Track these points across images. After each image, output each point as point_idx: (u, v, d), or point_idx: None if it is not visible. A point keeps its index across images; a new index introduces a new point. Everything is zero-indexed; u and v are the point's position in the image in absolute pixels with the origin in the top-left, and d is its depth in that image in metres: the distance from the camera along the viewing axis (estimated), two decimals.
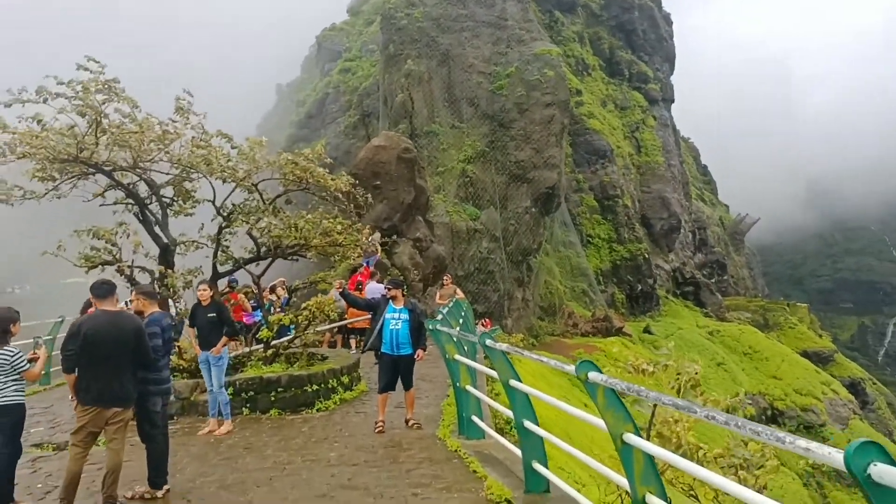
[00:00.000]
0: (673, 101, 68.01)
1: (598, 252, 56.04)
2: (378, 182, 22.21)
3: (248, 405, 11.55)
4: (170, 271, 12.67)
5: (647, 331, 53.19)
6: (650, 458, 4.94)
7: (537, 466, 6.97)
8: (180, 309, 13.34)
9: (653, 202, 61.43)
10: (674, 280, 62.98)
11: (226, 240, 13.90)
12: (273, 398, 11.61)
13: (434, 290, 22.77)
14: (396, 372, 10.23)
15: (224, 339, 10.50)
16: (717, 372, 53.25)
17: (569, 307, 51.63)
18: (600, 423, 5.66)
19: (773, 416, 52.50)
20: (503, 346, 7.26)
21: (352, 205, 14.47)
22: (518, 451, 7.72)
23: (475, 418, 9.29)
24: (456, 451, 8.79)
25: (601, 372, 5.15)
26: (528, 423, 7.03)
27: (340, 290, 10.71)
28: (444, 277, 19.18)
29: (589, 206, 56.48)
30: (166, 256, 13.03)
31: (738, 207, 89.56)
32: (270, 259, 13.55)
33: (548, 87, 44.13)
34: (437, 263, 24.90)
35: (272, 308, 15.44)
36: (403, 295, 10.54)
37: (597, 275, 55.11)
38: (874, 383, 74.40)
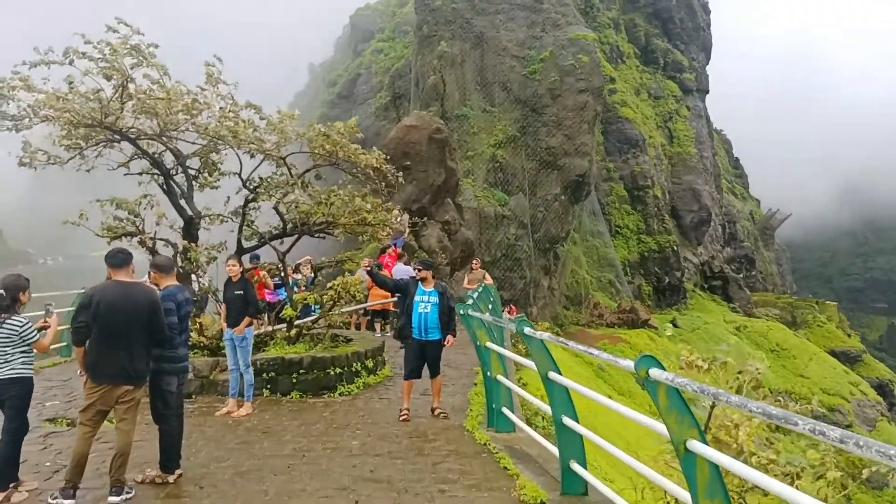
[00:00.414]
0: (707, 91, 66.45)
1: (627, 243, 55.04)
2: (408, 162, 21.63)
3: (268, 386, 11.09)
4: (193, 245, 12.22)
5: (673, 324, 52.22)
6: (717, 469, 4.39)
7: (575, 467, 6.39)
8: (203, 284, 12.92)
9: (683, 194, 60.17)
10: (702, 274, 61.78)
11: (251, 215, 13.42)
12: (294, 380, 11.14)
13: (461, 275, 22.24)
14: (423, 358, 9.70)
15: (247, 319, 10.04)
16: None
17: (595, 297, 50.82)
18: (652, 423, 5.09)
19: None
20: (544, 335, 6.67)
21: (382, 183, 13.91)
22: (552, 448, 7.16)
23: (506, 410, 8.73)
24: (485, 444, 8.24)
25: (664, 368, 4.63)
26: (567, 420, 6.45)
27: (369, 268, 10.16)
28: (473, 262, 18.59)
29: (619, 196, 55.44)
30: (190, 230, 12.58)
31: (768, 202, 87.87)
32: (297, 236, 13.05)
33: (582, 73, 43.13)
34: (465, 247, 24.34)
35: (297, 286, 14.98)
36: (434, 277, 10.00)
37: (624, 266, 54.17)
38: None
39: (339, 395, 11.28)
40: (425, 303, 9.63)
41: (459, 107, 42.95)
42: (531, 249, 42.89)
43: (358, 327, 18.12)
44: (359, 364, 11.88)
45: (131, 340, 6.38)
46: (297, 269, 17.48)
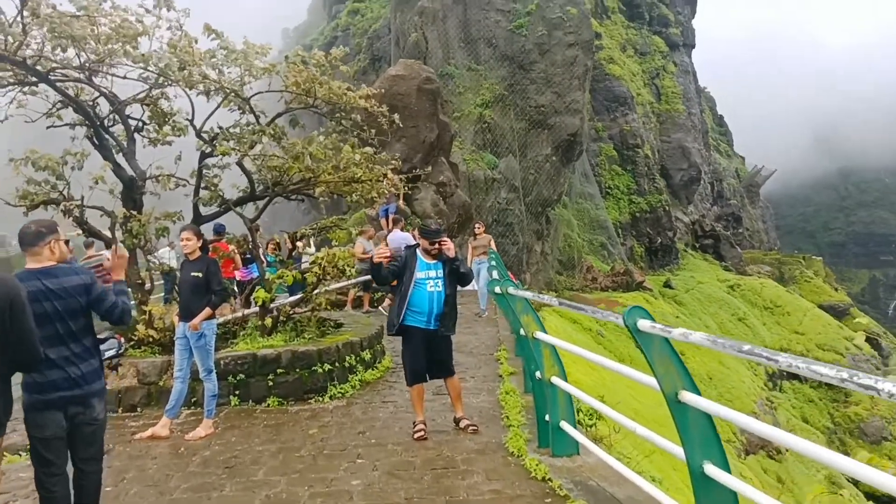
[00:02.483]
0: (694, 46, 63.38)
1: (618, 204, 52.46)
2: (396, 117, 18.65)
3: (236, 392, 8.34)
4: (135, 213, 9.35)
5: (667, 285, 49.96)
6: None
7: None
8: (154, 263, 10.07)
9: (672, 152, 57.50)
10: (693, 233, 59.42)
11: (212, 174, 10.55)
12: (271, 382, 8.38)
13: (461, 242, 19.51)
14: (430, 353, 7.01)
15: (206, 310, 7.26)
16: (739, 327, 50.41)
17: (588, 261, 48.37)
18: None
19: (793, 373, 49.72)
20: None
21: (373, 130, 11.07)
22: (642, 483, 4.58)
23: (566, 426, 6.03)
24: (545, 479, 5.56)
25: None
26: (710, 468, 3.80)
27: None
28: (476, 226, 15.74)
29: (608, 156, 52.67)
30: (131, 194, 9.69)
31: (752, 159, 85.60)
32: (268, 198, 10.20)
33: (570, 25, 40.07)
34: (462, 211, 21.62)
35: (279, 261, 12.10)
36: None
37: (616, 227, 51.66)
38: (888, 337, 71.53)
39: (331, 398, 8.55)
40: (433, 279, 6.91)
41: (444, 65, 39.79)
42: (523, 214, 40.21)
43: (360, 305, 15.36)
44: (353, 357, 9.13)
45: None
46: (297, 239, 14.67)
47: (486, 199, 38.24)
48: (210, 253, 10.06)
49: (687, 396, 3.82)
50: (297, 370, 8.48)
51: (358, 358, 9.24)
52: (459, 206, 21.72)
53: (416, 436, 6.80)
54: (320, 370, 8.57)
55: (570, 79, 40.71)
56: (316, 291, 9.75)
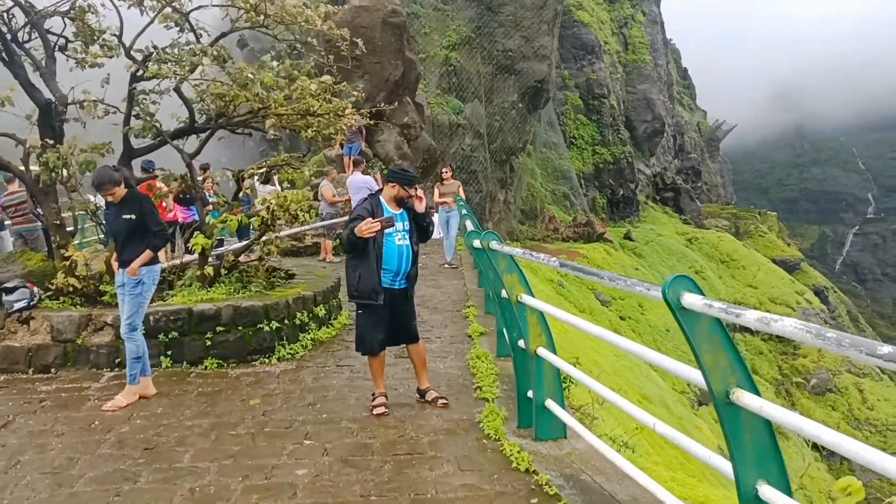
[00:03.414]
0: None
1: (581, 154, 51.51)
2: (358, 52, 17.18)
3: (168, 353, 7.17)
4: (52, 143, 7.96)
5: (627, 237, 49.60)
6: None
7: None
8: (76, 201, 8.73)
9: (637, 104, 56.50)
10: (654, 185, 59.01)
11: (149, 101, 9.12)
12: (209, 342, 7.22)
13: (426, 188, 18.29)
14: (394, 318, 5.91)
15: (147, 253, 6.05)
16: (696, 280, 50.40)
17: (550, 211, 47.62)
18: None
19: (745, 326, 50.23)
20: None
21: (330, 57, 9.74)
22: (646, 480, 3.66)
23: (552, 405, 5.04)
24: (529, 471, 4.59)
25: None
26: (766, 490, 2.84)
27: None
28: (444, 170, 14.49)
29: (574, 106, 51.45)
30: (49, 120, 8.28)
31: (713, 114, 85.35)
32: (210, 131, 8.85)
33: None
34: (427, 156, 20.36)
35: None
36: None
37: (578, 178, 50.85)
38: (835, 291, 72.96)
39: (278, 360, 7.44)
40: (400, 232, 5.76)
41: (409, 4, 37.79)
42: (487, 161, 39.03)
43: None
44: (305, 314, 7.99)
45: None
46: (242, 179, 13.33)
47: (451, 144, 36.93)
48: (144, 190, 8.77)
49: (744, 397, 2.82)
50: (240, 328, 7.33)
51: (311, 314, 8.11)
52: (424, 150, 20.45)
53: (375, 411, 5.76)
54: (266, 328, 7.43)
55: (539, 23, 39.21)
56: (264, 238, 8.52)
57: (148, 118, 8.92)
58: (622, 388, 21.33)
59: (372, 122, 16.71)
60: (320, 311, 8.29)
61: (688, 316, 2.82)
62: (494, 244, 5.06)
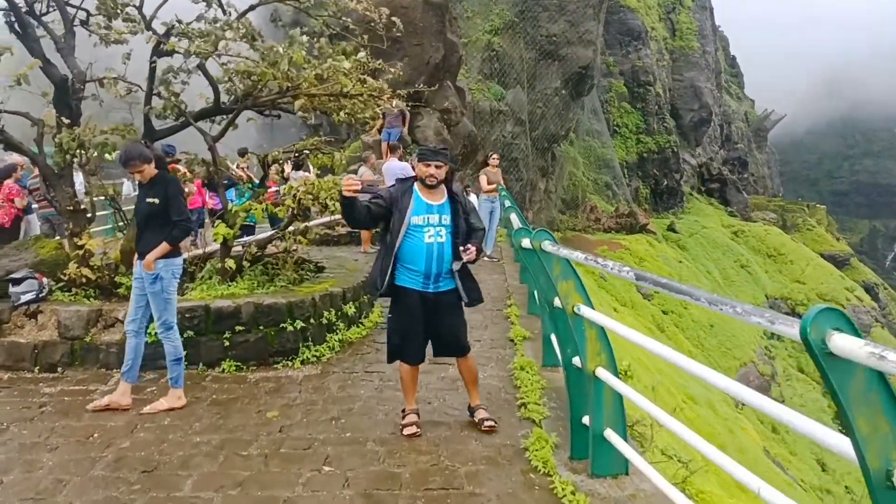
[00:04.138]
0: None
1: (625, 143, 50.09)
2: (398, 34, 16.41)
3: (185, 352, 6.53)
4: (67, 122, 7.37)
5: (671, 228, 48.14)
6: None
7: None
8: (90, 185, 8.15)
9: (684, 92, 54.74)
10: (699, 176, 57.25)
11: (177, 80, 8.46)
12: (227, 342, 6.56)
13: (467, 176, 17.41)
14: (432, 325, 5.11)
15: (163, 246, 5.42)
16: (741, 274, 48.95)
17: (591, 201, 46.42)
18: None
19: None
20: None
21: (364, 37, 9.00)
22: None
23: (612, 435, 4.24)
24: None
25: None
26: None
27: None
28: (493, 156, 13.51)
29: (618, 93, 50.04)
30: (65, 98, 7.69)
31: (760, 103, 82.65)
32: (235, 112, 8.17)
33: None
34: (468, 142, 19.54)
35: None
36: (447, 180, 5.14)
37: (622, 167, 49.48)
38: (886, 288, 70.32)
39: (302, 363, 6.75)
40: (434, 227, 4.93)
41: None
42: (528, 149, 38.01)
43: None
44: (333, 312, 7.29)
45: None
46: (268, 164, 12.69)
47: (492, 131, 36.05)
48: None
49: None
50: (261, 327, 6.66)
51: (339, 313, 7.41)
52: (465, 136, 19.61)
53: (405, 431, 5.02)
54: (290, 328, 6.75)
55: (584, 7, 38.01)
56: (291, 228, 7.84)
57: (173, 98, 8.28)
58: (669, 389, 20.35)
59: (410, 107, 15.98)
60: (350, 308, 7.59)
61: (838, 365, 2.00)
62: (548, 245, 4.26)
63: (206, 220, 11.53)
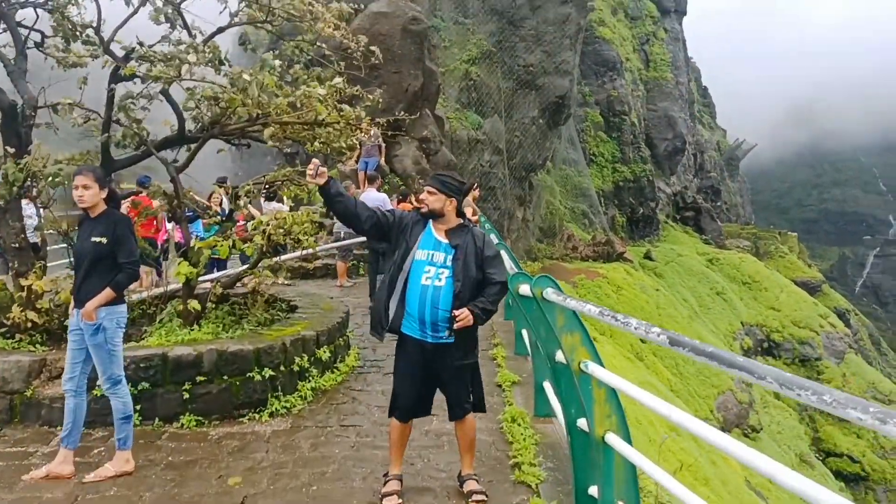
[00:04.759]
0: (685, 13, 60.44)
1: (601, 172, 50.14)
2: (376, 62, 15.97)
3: (137, 407, 5.84)
4: (12, 152, 6.71)
5: (647, 256, 48.08)
6: None
7: None
8: (46, 219, 7.47)
9: (658, 121, 55.11)
10: (674, 204, 57.45)
11: (138, 106, 7.84)
12: (187, 394, 5.88)
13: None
14: (430, 379, 4.48)
15: (106, 292, 4.75)
16: (717, 301, 48.97)
17: (569, 229, 46.22)
18: None
19: (769, 349, 48.49)
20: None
21: (342, 63, 8.49)
22: None
23: None
24: None
25: None
26: None
27: (316, 174, 4.22)
28: (476, 188, 13.02)
29: (594, 122, 50.18)
30: (14, 126, 7.04)
31: (731, 133, 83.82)
32: (200, 140, 7.56)
33: None
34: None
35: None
36: (465, 220, 4.49)
37: (598, 196, 49.45)
38: (856, 314, 70.92)
39: (271, 416, 6.09)
40: (436, 267, 4.30)
41: (429, 17, 36.67)
42: (506, 178, 37.74)
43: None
44: (306, 358, 6.64)
45: None
46: (272, 197, 12.05)
47: (469, 160, 35.73)
48: (130, 208, 7.51)
49: None
50: (226, 377, 5.99)
51: (312, 358, 6.76)
52: (444, 166, 19.13)
53: (384, 501, 4.37)
54: (258, 377, 6.09)
55: (561, 38, 38.03)
56: (259, 267, 7.20)
57: (134, 125, 7.65)
58: (651, 421, 19.79)
59: (390, 135, 15.49)
60: (323, 353, 6.94)
61: None
62: (551, 293, 3.69)
63: (172, 255, 10.86)
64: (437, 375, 4.40)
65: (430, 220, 4.38)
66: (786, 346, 48.59)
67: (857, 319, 68.91)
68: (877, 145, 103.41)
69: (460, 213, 4.45)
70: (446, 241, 4.32)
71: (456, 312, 4.10)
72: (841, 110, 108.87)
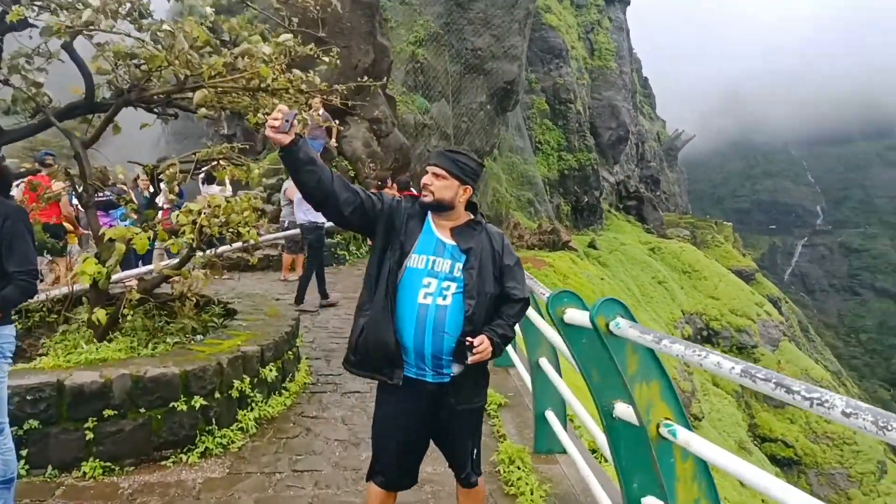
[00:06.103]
0: (629, 3, 60.29)
1: (547, 160, 49.52)
2: (323, 35, 14.49)
3: (24, 453, 4.41)
4: None
5: (592, 245, 47.79)
6: None
7: None
8: None
9: (602, 110, 54.80)
10: (617, 193, 57.41)
11: (32, 67, 6.27)
12: (90, 433, 4.47)
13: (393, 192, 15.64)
14: (425, 435, 3.18)
15: None
16: (658, 290, 49.19)
17: (515, 217, 45.47)
18: None
19: (707, 337, 49.01)
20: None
21: (294, 19, 7.10)
22: None
23: None
24: None
25: None
26: None
27: (288, 121, 2.87)
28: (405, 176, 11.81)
29: (540, 110, 49.45)
30: None
31: (671, 124, 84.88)
32: (114, 106, 6.05)
33: None
34: (399, 155, 17.76)
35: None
36: (479, 214, 3.22)
37: (543, 184, 48.86)
38: (787, 302, 72.88)
39: (202, 456, 4.75)
40: (439, 279, 2.96)
41: None
42: None
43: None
44: (247, 380, 5.28)
45: None
46: (212, 179, 10.49)
47: (416, 145, 34.37)
48: (26, 192, 6.02)
49: None
50: (143, 409, 4.61)
51: (256, 380, 5.41)
52: (396, 150, 17.81)
53: None
54: (185, 407, 4.73)
55: (510, 22, 36.99)
56: (189, 265, 5.78)
57: (33, 88, 6.11)
58: None
59: (337, 116, 14.08)
60: (269, 372, 5.58)
61: None
62: (625, 325, 2.48)
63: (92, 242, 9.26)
64: (438, 426, 3.14)
65: (429, 213, 3.09)
66: (724, 334, 49.19)
67: (788, 307, 70.75)
68: (805, 139, 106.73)
69: (470, 205, 3.18)
70: (453, 242, 3.03)
71: (473, 340, 2.83)
72: (768, 103, 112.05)
